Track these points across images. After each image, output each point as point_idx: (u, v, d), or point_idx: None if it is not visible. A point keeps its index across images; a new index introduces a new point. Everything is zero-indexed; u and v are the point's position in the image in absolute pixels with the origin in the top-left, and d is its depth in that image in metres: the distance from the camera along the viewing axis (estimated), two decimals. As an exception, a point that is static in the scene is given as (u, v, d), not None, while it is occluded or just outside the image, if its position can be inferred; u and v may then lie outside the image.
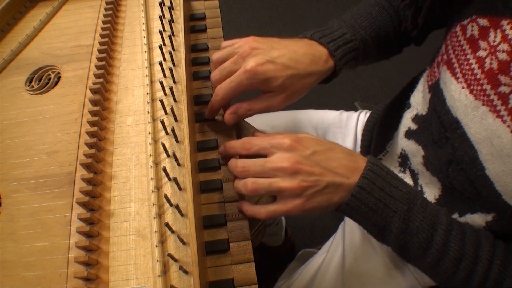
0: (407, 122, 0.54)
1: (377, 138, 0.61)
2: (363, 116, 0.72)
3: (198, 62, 0.53)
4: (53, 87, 0.53)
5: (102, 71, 0.51)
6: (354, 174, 0.40)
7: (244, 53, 0.43)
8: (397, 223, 0.39)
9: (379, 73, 1.57)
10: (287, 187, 0.38)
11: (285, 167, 0.38)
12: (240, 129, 0.50)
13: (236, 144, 0.42)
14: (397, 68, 1.55)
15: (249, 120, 0.52)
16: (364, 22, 0.52)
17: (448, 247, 0.39)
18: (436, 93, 0.47)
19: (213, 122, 0.48)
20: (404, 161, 0.55)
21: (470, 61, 0.40)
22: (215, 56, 0.46)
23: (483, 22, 0.39)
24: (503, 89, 0.37)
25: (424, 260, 0.40)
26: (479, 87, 0.39)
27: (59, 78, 0.54)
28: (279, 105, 0.45)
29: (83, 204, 0.41)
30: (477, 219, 0.44)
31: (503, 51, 0.37)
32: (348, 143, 0.71)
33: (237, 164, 0.41)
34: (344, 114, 0.74)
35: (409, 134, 0.53)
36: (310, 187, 0.38)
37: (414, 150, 0.51)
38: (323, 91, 1.55)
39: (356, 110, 0.76)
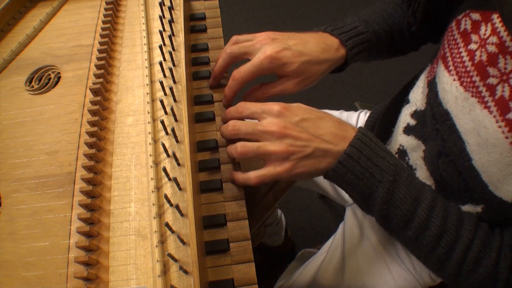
0: (405, 118, 0.55)
1: (377, 136, 0.61)
2: (363, 116, 0.72)
3: (198, 62, 0.53)
4: (53, 87, 0.53)
5: (102, 71, 0.51)
6: (342, 141, 0.41)
7: (264, 40, 0.47)
8: (382, 193, 0.40)
9: (379, 73, 1.57)
10: (274, 151, 0.40)
11: (273, 131, 0.40)
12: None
13: (232, 109, 0.44)
14: (398, 68, 1.55)
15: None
16: (378, 18, 0.55)
17: (430, 223, 0.40)
18: (432, 87, 0.48)
19: (213, 122, 0.48)
20: (401, 157, 0.55)
21: (462, 54, 0.41)
22: (235, 37, 0.50)
23: (476, 16, 0.40)
24: (491, 80, 0.38)
25: (405, 232, 0.41)
26: (468, 79, 0.40)
27: (59, 78, 0.54)
28: (293, 88, 0.48)
29: (83, 204, 0.41)
30: (468, 210, 0.44)
31: (492, 44, 0.38)
32: None
33: (229, 123, 0.43)
34: (344, 114, 0.74)
35: (408, 130, 0.54)
36: (297, 152, 0.40)
37: (414, 145, 0.52)
38: (323, 91, 1.55)
39: (356, 110, 0.76)
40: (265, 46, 0.46)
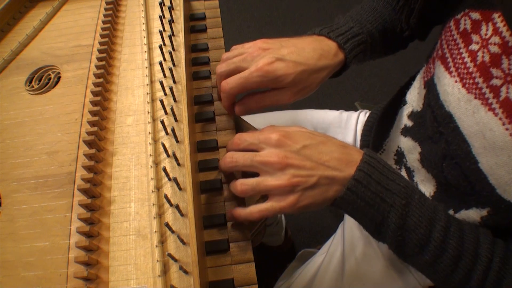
0: (403, 119, 0.54)
1: (375, 136, 0.61)
2: (363, 116, 0.72)
3: (198, 62, 0.53)
4: (53, 87, 0.53)
5: (102, 71, 0.51)
6: (348, 167, 0.38)
7: (254, 53, 0.44)
8: (395, 218, 0.38)
9: (379, 73, 1.57)
10: (276, 185, 0.37)
11: (273, 161, 0.37)
12: (240, 130, 0.50)
13: (230, 142, 0.43)
14: (398, 68, 1.55)
15: (249, 119, 0.52)
16: (369, 17, 0.53)
17: (447, 245, 0.38)
18: (430, 88, 0.47)
19: (213, 122, 0.48)
20: (399, 158, 0.55)
21: (463, 55, 0.40)
22: (225, 55, 0.47)
23: (475, 15, 0.39)
24: (495, 81, 0.37)
25: (422, 257, 0.39)
26: (471, 81, 0.39)
27: (59, 78, 0.54)
28: (289, 99, 0.45)
29: (83, 204, 0.41)
30: (472, 214, 0.44)
31: (494, 44, 0.37)
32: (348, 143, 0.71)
33: (226, 155, 0.40)
34: (344, 114, 0.74)
35: (405, 131, 0.53)
36: (301, 183, 0.37)
37: (411, 147, 0.51)
38: (323, 91, 1.55)
39: (356, 110, 0.76)
40: (256, 59, 0.43)
